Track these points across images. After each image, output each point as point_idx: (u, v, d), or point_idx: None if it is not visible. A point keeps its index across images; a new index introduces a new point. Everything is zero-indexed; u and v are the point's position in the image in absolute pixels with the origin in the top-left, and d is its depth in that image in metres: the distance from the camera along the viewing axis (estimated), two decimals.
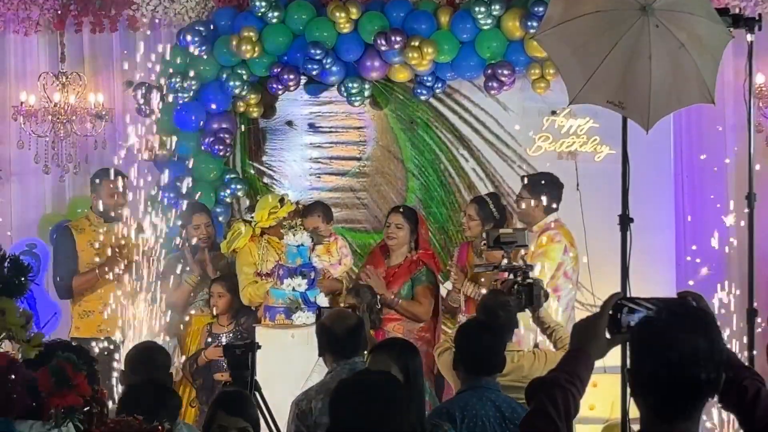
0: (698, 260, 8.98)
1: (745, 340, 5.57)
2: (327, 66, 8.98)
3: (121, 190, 8.53)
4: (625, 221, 5.01)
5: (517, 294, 6.33)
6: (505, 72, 8.90)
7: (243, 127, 9.70)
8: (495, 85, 8.98)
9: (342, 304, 7.88)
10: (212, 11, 9.54)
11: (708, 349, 2.95)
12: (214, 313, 8.26)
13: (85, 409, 3.54)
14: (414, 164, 9.62)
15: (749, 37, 5.52)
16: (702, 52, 4.84)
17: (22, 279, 3.63)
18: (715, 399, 3.14)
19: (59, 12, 9.76)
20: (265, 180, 9.75)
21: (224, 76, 9.21)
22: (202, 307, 8.48)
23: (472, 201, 8.46)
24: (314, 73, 9.06)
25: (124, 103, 9.77)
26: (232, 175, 9.47)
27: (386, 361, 5.13)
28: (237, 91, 9.22)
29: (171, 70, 9.20)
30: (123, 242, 8.32)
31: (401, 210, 8.30)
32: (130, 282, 8.07)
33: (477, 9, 8.78)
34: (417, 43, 8.86)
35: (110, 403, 4.28)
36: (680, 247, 9.23)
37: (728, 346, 3.43)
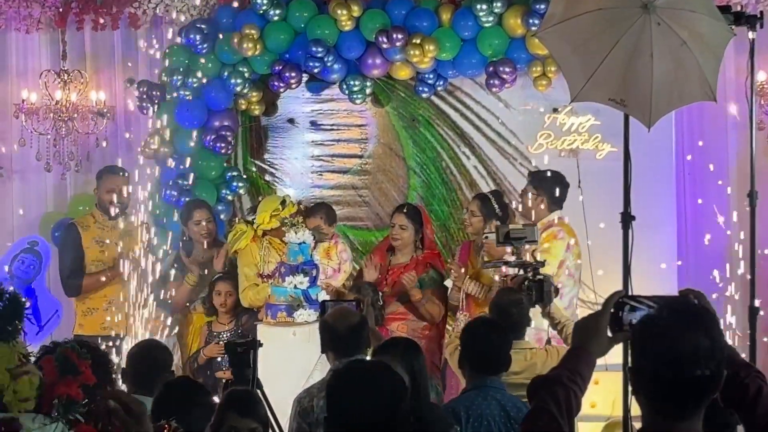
0: (697, 258, 9.01)
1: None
2: (328, 64, 8.98)
3: (125, 187, 8.56)
4: (626, 219, 5.01)
5: (528, 290, 6.34)
6: (507, 69, 8.90)
7: (246, 124, 9.70)
8: (496, 82, 8.98)
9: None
10: (214, 9, 9.53)
11: (709, 347, 2.95)
12: (222, 310, 8.26)
13: (84, 401, 3.54)
14: (415, 162, 9.62)
15: (751, 35, 5.53)
16: (704, 50, 4.84)
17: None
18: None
19: (61, 10, 9.76)
20: (267, 178, 9.75)
21: (226, 73, 9.21)
22: (202, 305, 8.48)
23: (474, 197, 8.48)
24: (316, 70, 9.06)
25: (126, 100, 9.77)
26: (234, 173, 9.46)
27: (390, 362, 5.12)
28: (238, 88, 9.22)
29: (172, 68, 9.20)
30: (127, 240, 8.34)
31: (405, 210, 8.29)
32: (134, 279, 8.09)
33: (478, 6, 8.77)
34: (418, 41, 8.85)
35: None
36: (682, 245, 9.23)
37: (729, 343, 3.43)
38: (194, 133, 9.26)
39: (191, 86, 9.10)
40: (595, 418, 7.51)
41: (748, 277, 5.82)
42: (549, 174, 8.18)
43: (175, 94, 9.15)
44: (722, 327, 3.13)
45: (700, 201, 9.20)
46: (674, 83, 4.85)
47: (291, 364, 6.98)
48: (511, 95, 9.30)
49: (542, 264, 6.61)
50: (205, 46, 9.18)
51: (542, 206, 8.01)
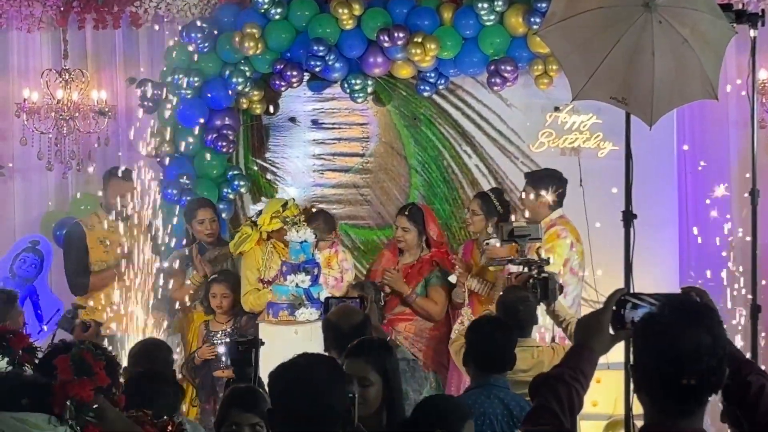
0: (698, 256, 9.00)
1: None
2: (330, 62, 8.98)
3: (129, 188, 8.56)
4: (628, 217, 5.01)
5: (533, 288, 6.34)
6: (508, 68, 8.90)
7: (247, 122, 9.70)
8: (498, 81, 8.98)
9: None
10: (215, 8, 9.54)
11: (711, 345, 2.95)
12: (219, 312, 8.26)
13: (95, 406, 3.55)
14: (417, 160, 9.62)
15: (752, 33, 5.52)
16: (705, 48, 4.84)
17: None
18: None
19: (62, 9, 9.76)
20: (268, 176, 9.75)
21: (227, 72, 9.21)
22: (201, 304, 8.49)
23: (475, 196, 8.48)
24: (317, 69, 9.06)
25: (127, 99, 9.78)
26: (235, 172, 9.46)
27: (361, 365, 5.04)
28: (240, 87, 9.22)
29: (174, 67, 9.20)
30: (132, 240, 8.35)
31: (406, 213, 8.29)
32: (136, 279, 8.09)
33: (480, 5, 8.77)
34: (420, 40, 8.85)
35: None
36: (683, 243, 9.23)
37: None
38: (195, 132, 9.26)
39: (192, 85, 9.10)
40: (596, 417, 7.52)
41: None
42: (546, 172, 8.19)
43: (176, 93, 9.15)
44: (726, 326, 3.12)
45: (701, 199, 9.19)
46: (675, 81, 4.85)
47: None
48: (513, 94, 9.30)
49: (547, 261, 6.61)
50: (206, 44, 9.18)
51: (543, 205, 8.01)
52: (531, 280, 6.39)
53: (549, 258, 6.83)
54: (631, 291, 3.76)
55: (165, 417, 4.35)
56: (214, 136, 9.22)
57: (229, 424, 4.77)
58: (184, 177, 9.16)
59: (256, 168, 9.76)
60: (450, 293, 8.23)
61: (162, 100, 9.24)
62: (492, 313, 6.70)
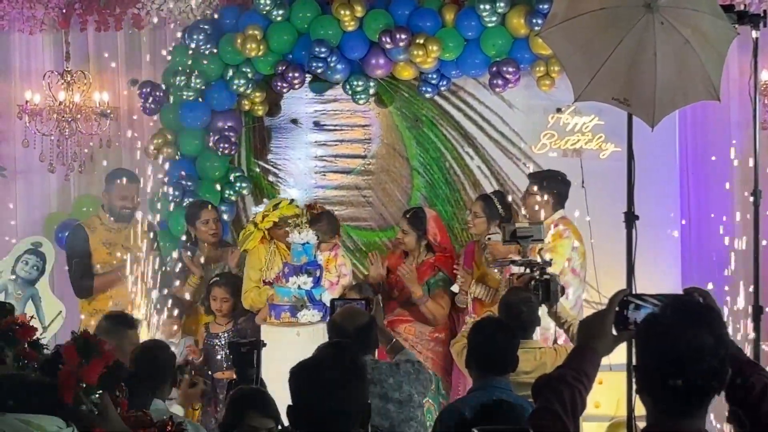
0: (700, 257, 9.00)
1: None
2: (332, 64, 8.98)
3: (132, 190, 8.58)
4: (630, 218, 5.02)
5: (534, 290, 6.33)
6: (510, 69, 8.90)
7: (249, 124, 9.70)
8: (500, 82, 8.98)
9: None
10: (217, 9, 9.53)
11: (714, 345, 2.94)
12: (219, 315, 8.27)
13: (98, 393, 3.56)
14: (419, 162, 9.61)
15: (754, 34, 5.52)
16: (707, 49, 4.84)
17: None
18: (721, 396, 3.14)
19: (64, 11, 9.77)
20: (270, 178, 9.75)
21: (229, 74, 9.21)
22: (201, 306, 8.49)
23: (477, 198, 8.47)
24: (319, 71, 9.06)
25: (129, 101, 9.78)
26: (237, 174, 9.47)
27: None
28: (242, 89, 9.22)
29: (176, 69, 9.20)
30: (134, 242, 8.37)
31: (407, 216, 8.30)
32: (141, 280, 8.10)
33: (482, 6, 8.77)
34: (422, 41, 8.85)
35: None
36: (686, 244, 9.23)
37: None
38: (198, 134, 9.27)
39: (195, 87, 9.11)
40: (599, 418, 7.51)
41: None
42: (549, 173, 8.19)
43: (178, 95, 9.15)
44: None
45: (703, 200, 9.18)
46: (678, 82, 4.85)
47: (294, 364, 6.97)
48: (515, 95, 9.30)
49: (549, 263, 6.60)
50: (208, 46, 9.19)
51: (545, 206, 8.01)
52: (533, 282, 6.39)
53: (551, 260, 6.83)
54: (634, 292, 3.76)
55: (164, 417, 4.35)
56: (216, 137, 9.23)
57: (246, 427, 4.74)
58: (186, 179, 9.16)
59: (258, 170, 9.76)
60: (449, 297, 8.22)
61: (164, 102, 9.24)
62: (494, 314, 6.69)
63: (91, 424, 3.54)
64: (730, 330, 3.43)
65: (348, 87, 9.25)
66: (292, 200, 8.66)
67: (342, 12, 8.95)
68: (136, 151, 9.59)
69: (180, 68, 9.18)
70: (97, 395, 3.57)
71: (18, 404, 3.46)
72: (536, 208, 8.02)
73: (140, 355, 5.67)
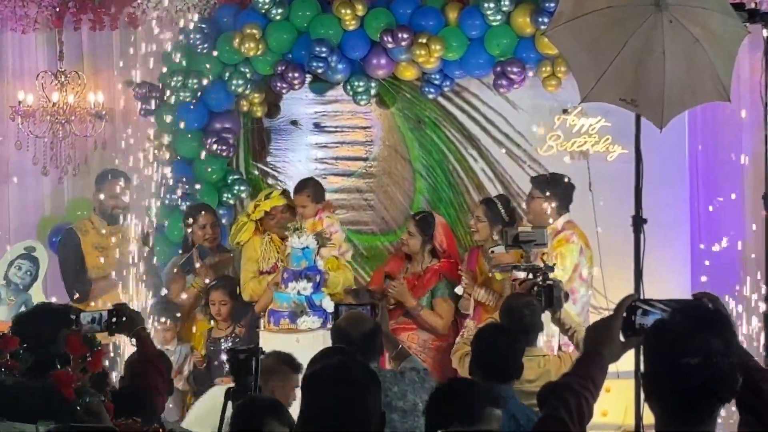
0: (710, 262, 9.00)
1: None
2: (332, 64, 8.99)
3: (124, 191, 8.57)
4: (638, 222, 5.02)
5: (537, 295, 6.33)
6: (515, 69, 8.90)
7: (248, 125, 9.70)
8: (504, 83, 8.98)
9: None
10: (214, 8, 9.53)
11: (723, 352, 2.94)
12: (219, 319, 8.28)
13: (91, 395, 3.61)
14: (422, 164, 9.62)
15: (765, 33, 5.54)
16: (717, 48, 4.85)
17: None
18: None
19: (57, 9, 9.76)
20: (270, 181, 9.75)
21: (227, 74, 9.22)
22: (201, 312, 8.50)
23: (481, 202, 8.47)
24: (319, 71, 9.07)
25: (125, 102, 9.77)
26: (236, 176, 9.47)
27: None
28: (240, 89, 9.23)
29: (172, 69, 9.21)
30: (127, 246, 8.37)
31: (416, 218, 8.32)
32: (136, 286, 8.11)
33: (486, 5, 8.77)
34: (424, 40, 8.86)
35: None
36: (695, 248, 9.22)
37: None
38: (195, 136, 9.28)
39: (192, 87, 9.11)
40: (606, 427, 7.50)
41: (763, 284, 5.82)
42: (552, 176, 8.19)
43: (175, 96, 9.15)
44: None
45: (713, 203, 9.18)
46: (687, 82, 4.85)
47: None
48: (520, 96, 9.30)
49: (552, 268, 6.60)
50: (205, 46, 9.19)
51: (549, 210, 8.00)
52: (536, 288, 6.39)
53: (554, 265, 6.82)
54: (642, 297, 3.76)
55: (155, 424, 4.37)
56: (214, 139, 9.23)
57: None
58: (184, 182, 9.16)
59: (256, 172, 9.76)
60: (451, 306, 8.21)
61: (160, 103, 9.25)
62: (496, 320, 6.69)
63: (87, 423, 3.57)
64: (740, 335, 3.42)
65: (349, 87, 9.26)
66: (284, 190, 8.68)
67: (343, 11, 8.96)
68: (131, 153, 9.58)
69: (177, 68, 9.19)
70: (88, 399, 3.60)
71: (14, 411, 3.49)
72: (540, 212, 8.01)
73: (134, 364, 5.66)
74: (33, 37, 9.97)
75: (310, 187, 8.48)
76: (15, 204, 10.02)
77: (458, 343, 7.27)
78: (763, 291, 5.92)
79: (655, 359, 3.00)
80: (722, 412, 3.01)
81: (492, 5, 8.76)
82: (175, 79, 9.11)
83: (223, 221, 9.30)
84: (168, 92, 9.20)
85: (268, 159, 9.79)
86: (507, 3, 8.77)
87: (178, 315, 8.46)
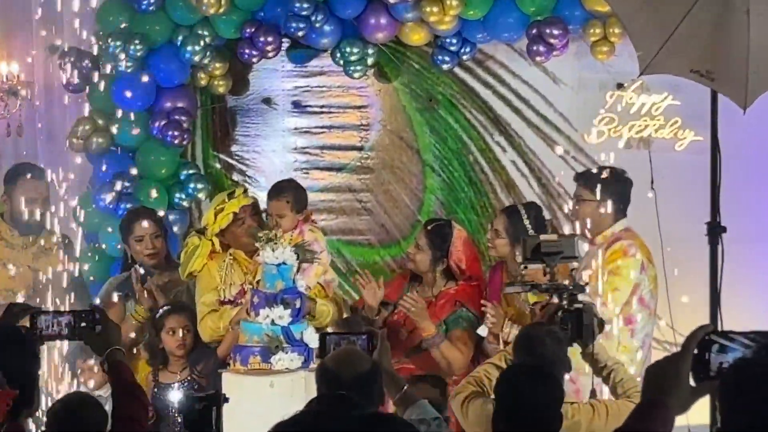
0: None
1: None
2: (317, 24, 9.01)
3: (42, 192, 8.56)
4: (715, 231, 5.03)
5: (562, 323, 6.32)
6: (555, 32, 8.92)
7: (205, 106, 9.73)
8: (542, 49, 9.00)
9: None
10: None
11: None
12: (179, 354, 8.26)
13: None
14: (434, 155, 9.64)
15: None
16: None
17: None
18: None
19: None
20: (235, 177, 9.78)
21: (179, 38, 9.24)
22: (144, 350, 8.46)
23: (502, 211, 8.31)
24: (300, 34, 9.08)
25: (47, 75, 9.78)
26: (191, 171, 9.49)
27: None
28: (197, 58, 9.24)
29: (109, 32, 9.22)
30: (45, 262, 8.37)
31: (429, 228, 8.22)
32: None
33: None
34: None
35: None
36: None
37: None
38: (139, 118, 9.29)
39: (134, 55, 9.13)
40: None
41: None
42: (606, 172, 8.16)
43: (112, 66, 9.17)
44: None
45: None
46: None
47: (266, 425, 6.98)
48: (561, 66, 9.34)
49: (582, 288, 6.59)
50: (152, 1, 9.21)
51: (604, 215, 7.98)
52: (560, 313, 6.38)
53: (586, 284, 6.81)
54: (719, 328, 3.77)
55: None
56: (163, 123, 9.25)
57: None
58: (123, 178, 9.17)
59: (218, 165, 9.79)
60: (472, 339, 8.12)
61: (93, 75, 9.26)
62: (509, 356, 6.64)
63: None
64: None
65: (339, 55, 9.28)
66: (245, 189, 8.61)
67: None
68: (56, 141, 9.59)
69: (114, 31, 9.20)
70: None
71: None
72: (591, 218, 7.98)
73: (60, 415, 5.67)
74: None
75: (291, 191, 8.37)
76: None
77: (463, 383, 7.15)
78: None
79: (735, 409, 3.02)
80: None
81: None
82: (112, 44, 9.12)
83: (175, 229, 9.31)
84: (103, 61, 9.22)
85: (233, 148, 9.81)
86: None
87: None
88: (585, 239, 7.88)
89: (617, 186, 8.03)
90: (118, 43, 9.11)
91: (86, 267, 8.93)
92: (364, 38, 9.27)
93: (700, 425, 4.40)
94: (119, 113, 9.30)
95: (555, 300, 6.58)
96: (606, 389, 6.54)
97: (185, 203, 9.49)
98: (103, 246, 9.20)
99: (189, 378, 8.24)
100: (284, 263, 7.60)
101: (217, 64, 9.38)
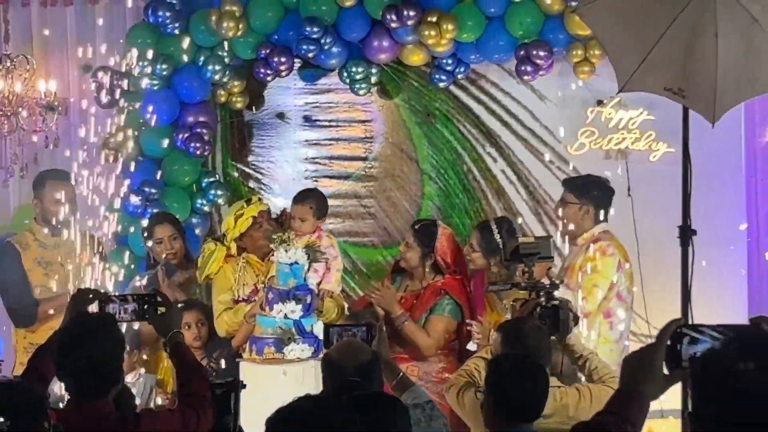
0: None
1: None
2: (326, 47, 9.00)
3: (69, 193, 8.54)
4: (686, 233, 5.02)
5: (540, 319, 6.30)
6: (541, 53, 8.91)
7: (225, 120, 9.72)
8: (529, 69, 8.99)
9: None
10: None
11: None
12: (196, 345, 8.25)
13: None
14: (431, 165, 9.63)
15: None
16: None
17: None
18: None
19: None
20: (251, 184, 9.77)
21: (201, 59, 9.23)
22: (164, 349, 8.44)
23: (475, 227, 8.26)
24: (310, 55, 9.07)
25: (81, 92, 9.78)
26: (211, 179, 9.48)
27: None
28: (217, 77, 9.24)
29: (137, 53, 9.21)
30: (78, 260, 8.35)
31: (416, 227, 8.20)
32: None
33: None
34: (434, 19, 8.87)
35: None
36: (753, 264, 9.23)
37: None
38: (164, 131, 9.29)
39: (160, 74, 9.13)
40: None
41: None
42: (588, 178, 8.15)
43: (140, 84, 9.17)
44: None
45: None
46: (744, 69, 4.86)
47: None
48: (547, 84, 9.32)
49: (557, 285, 6.58)
50: (176, 25, 9.20)
51: (587, 218, 7.96)
52: (538, 309, 6.36)
53: (560, 281, 6.79)
54: (690, 322, 3.76)
55: None
56: (186, 135, 9.24)
57: None
58: (150, 185, 9.17)
59: (236, 174, 9.78)
60: (447, 328, 8.04)
61: (123, 92, 9.25)
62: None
63: None
64: None
65: (345, 75, 9.28)
66: (260, 197, 8.60)
67: None
68: (89, 151, 9.58)
69: (142, 52, 9.19)
70: None
71: None
72: (575, 219, 7.97)
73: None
74: None
75: (314, 198, 8.38)
76: None
77: (455, 376, 7.11)
78: None
79: (704, 396, 3.00)
80: None
81: None
82: (140, 64, 9.12)
83: (197, 232, 9.30)
84: (132, 79, 9.21)
85: (250, 159, 9.80)
86: None
87: (139, 341, 8.44)
88: (570, 240, 7.89)
89: (600, 193, 8.02)
90: (146, 62, 9.11)
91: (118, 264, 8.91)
92: (369, 59, 9.26)
93: (672, 409, 4.39)
94: (146, 127, 9.30)
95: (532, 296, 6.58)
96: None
97: (206, 208, 9.48)
98: (131, 247, 9.20)
99: (207, 367, 8.23)
100: (296, 263, 7.60)
101: (236, 83, 9.38)
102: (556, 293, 6.48)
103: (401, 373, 6.47)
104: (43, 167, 9.55)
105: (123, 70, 9.30)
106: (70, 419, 4.72)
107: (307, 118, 9.78)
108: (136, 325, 8.26)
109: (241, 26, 9.06)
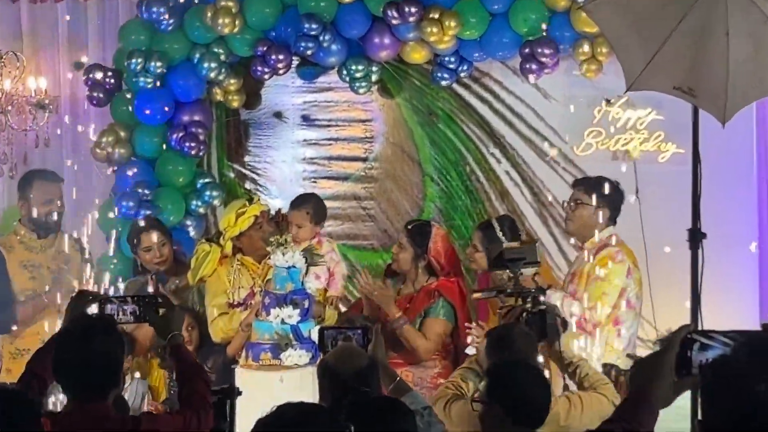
0: None
1: None
2: (325, 44, 9.01)
3: (56, 194, 8.54)
4: (696, 236, 5.03)
5: (527, 325, 6.30)
6: (547, 51, 8.91)
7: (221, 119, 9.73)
8: (533, 67, 9.00)
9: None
10: None
11: None
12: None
13: None
14: (433, 166, 9.64)
15: None
16: None
17: None
18: None
19: None
20: (248, 185, 9.78)
21: (197, 56, 9.24)
22: (155, 351, 8.44)
23: (477, 227, 8.29)
24: (309, 52, 9.08)
25: (73, 89, 9.79)
26: (206, 180, 9.49)
27: None
28: (212, 74, 9.24)
29: (131, 50, 9.22)
30: (64, 264, 8.35)
31: (409, 228, 8.20)
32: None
33: None
34: (437, 15, 8.88)
35: None
36: (765, 268, 9.23)
37: None
38: (158, 131, 9.29)
39: (154, 72, 9.13)
40: None
41: None
42: (601, 180, 8.12)
43: (133, 82, 9.18)
44: None
45: None
46: (755, 68, 4.87)
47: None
48: (552, 83, 9.33)
49: (543, 290, 6.58)
50: (171, 21, 9.20)
51: (600, 220, 7.92)
52: (524, 315, 6.37)
53: (547, 287, 6.79)
54: (700, 328, 3.78)
55: None
56: (181, 135, 9.25)
57: None
58: (143, 186, 9.17)
59: (232, 175, 9.79)
60: (442, 330, 8.04)
61: (116, 90, 9.26)
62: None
63: None
64: None
65: (345, 73, 9.28)
66: (259, 198, 8.61)
67: None
68: (80, 151, 9.59)
69: (135, 49, 9.20)
70: None
71: None
72: (586, 221, 7.92)
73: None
74: None
75: (312, 203, 8.40)
76: None
77: (441, 388, 7.07)
78: None
79: (715, 404, 3.02)
80: None
81: None
82: (133, 61, 9.13)
83: (191, 234, 9.30)
84: (125, 77, 9.22)
85: (246, 159, 9.82)
86: None
87: (132, 347, 8.44)
88: (576, 242, 7.90)
89: (611, 195, 8.02)
90: (139, 60, 9.12)
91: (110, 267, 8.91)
92: (369, 57, 9.27)
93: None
94: (140, 126, 9.31)
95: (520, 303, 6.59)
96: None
97: (201, 210, 9.49)
98: (122, 250, 9.20)
99: None
100: (294, 266, 7.61)
101: (232, 81, 9.38)
102: (542, 298, 6.49)
103: (398, 378, 6.48)
104: (33, 167, 9.55)
105: (116, 67, 9.30)
106: (69, 422, 4.73)
107: (305, 118, 9.79)
108: (129, 330, 8.29)
109: (237, 22, 9.07)
